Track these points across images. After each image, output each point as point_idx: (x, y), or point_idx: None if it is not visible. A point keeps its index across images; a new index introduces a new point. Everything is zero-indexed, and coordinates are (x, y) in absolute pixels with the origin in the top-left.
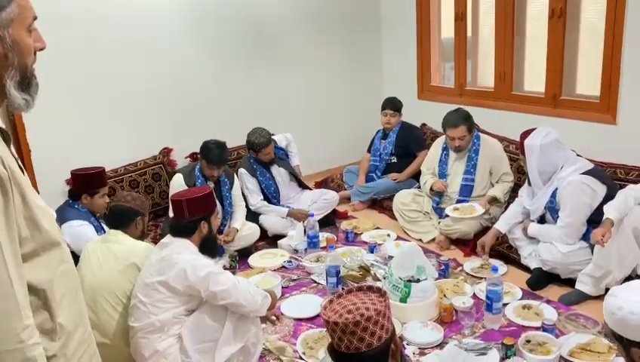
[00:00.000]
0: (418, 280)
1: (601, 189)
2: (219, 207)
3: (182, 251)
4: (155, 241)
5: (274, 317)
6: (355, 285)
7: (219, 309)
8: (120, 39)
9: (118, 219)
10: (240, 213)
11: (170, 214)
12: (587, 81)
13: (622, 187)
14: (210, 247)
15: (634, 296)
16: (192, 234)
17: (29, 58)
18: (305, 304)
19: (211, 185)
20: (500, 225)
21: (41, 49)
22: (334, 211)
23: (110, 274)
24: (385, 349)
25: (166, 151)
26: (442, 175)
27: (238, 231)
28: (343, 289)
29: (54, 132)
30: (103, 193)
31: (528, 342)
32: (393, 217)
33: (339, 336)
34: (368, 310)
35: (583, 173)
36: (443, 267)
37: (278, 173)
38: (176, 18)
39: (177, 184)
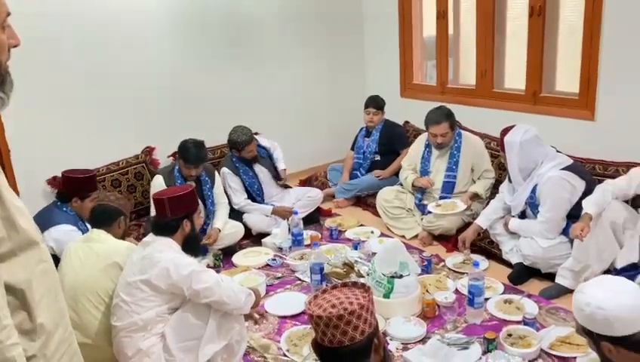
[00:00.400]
0: (401, 276)
1: (581, 184)
2: (201, 205)
3: (164, 250)
4: (139, 241)
5: (257, 315)
6: (339, 282)
7: (202, 307)
8: (102, 38)
9: (100, 218)
10: (222, 211)
11: (152, 213)
12: (566, 78)
13: (600, 182)
14: (193, 246)
15: (601, 292)
16: (174, 232)
17: (2, 55)
18: (289, 301)
19: (192, 184)
20: (481, 221)
21: (15, 46)
22: (318, 209)
23: (92, 273)
24: (368, 344)
25: (148, 150)
26: (424, 172)
27: (220, 231)
28: (327, 286)
29: (35, 132)
30: (93, 197)
31: (509, 335)
32: (377, 214)
33: (322, 330)
34: (352, 304)
35: (563, 169)
36: (425, 263)
37: (261, 171)
38: (159, 17)
39: (158, 185)
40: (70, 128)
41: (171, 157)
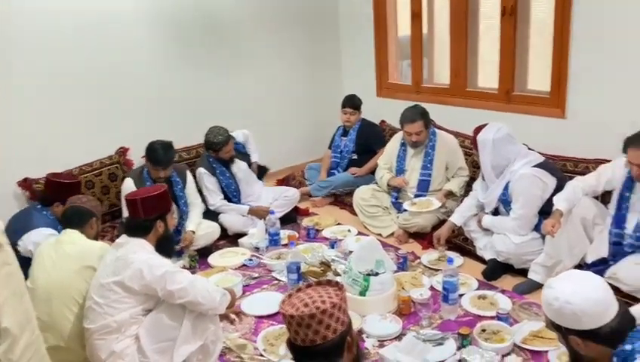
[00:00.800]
0: (377, 274)
1: (552, 181)
2: (174, 206)
3: (138, 251)
4: (113, 242)
5: (233, 316)
6: (315, 281)
7: (176, 308)
8: (75, 38)
9: (73, 219)
10: (195, 212)
11: (125, 214)
12: (538, 77)
13: (571, 179)
14: (166, 247)
15: (569, 286)
16: (147, 233)
17: None
18: (266, 301)
19: (163, 185)
20: (455, 218)
21: None
22: (296, 208)
23: (65, 274)
24: (340, 342)
25: (122, 151)
26: (400, 170)
27: (194, 233)
28: (303, 285)
29: (5, 132)
30: None
31: (483, 331)
32: (354, 213)
33: (295, 329)
34: (324, 303)
35: (534, 166)
36: (401, 260)
37: (239, 170)
38: (136, 18)
39: (127, 188)
40: (42, 129)
41: (145, 158)
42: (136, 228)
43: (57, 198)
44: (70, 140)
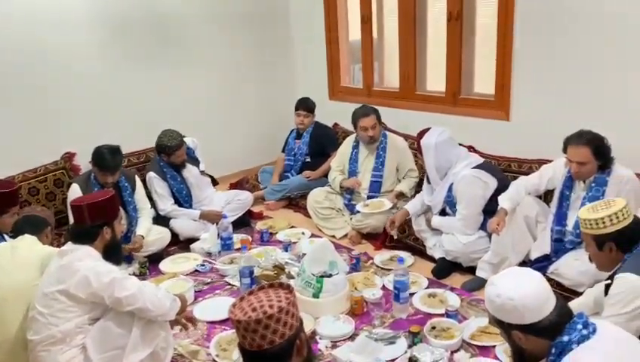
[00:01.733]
0: (330, 275)
1: (492, 181)
2: (122, 212)
3: (83, 258)
4: None
5: (184, 321)
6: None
7: (125, 316)
8: (14, 38)
9: (29, 228)
10: (145, 218)
11: (71, 220)
12: (484, 81)
13: (515, 179)
14: (114, 254)
15: (510, 282)
16: (94, 240)
17: None
18: (218, 307)
19: (111, 190)
20: (408, 206)
21: None
22: (249, 212)
23: (22, 279)
24: (288, 346)
25: (68, 156)
26: (353, 172)
27: (144, 238)
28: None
29: None
30: (13, 212)
31: (434, 328)
32: (308, 215)
33: (242, 334)
34: (272, 308)
35: (474, 168)
36: (354, 261)
37: (190, 174)
38: (79, 16)
39: (74, 194)
40: None
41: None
42: (82, 235)
43: None
44: (11, 144)
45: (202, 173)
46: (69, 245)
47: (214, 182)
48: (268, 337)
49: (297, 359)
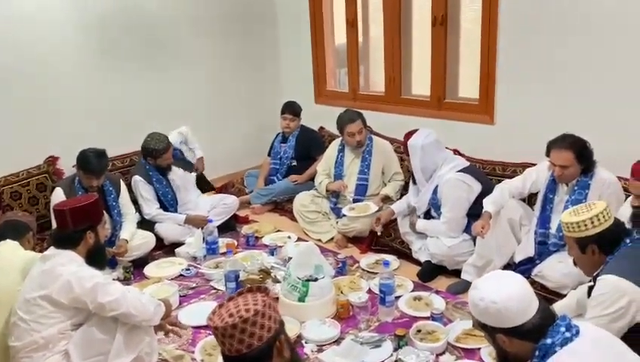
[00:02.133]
0: (316, 279)
1: (476, 185)
2: (106, 216)
3: (66, 263)
4: None
5: (169, 327)
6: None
7: (108, 321)
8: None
9: (10, 232)
10: (129, 222)
11: (54, 225)
12: (468, 85)
13: (499, 182)
14: (98, 259)
15: (493, 286)
16: (77, 245)
17: None
18: (203, 311)
19: (95, 194)
20: (394, 206)
21: None
22: (235, 216)
23: (4, 283)
24: (267, 348)
25: (51, 160)
26: (339, 176)
27: (128, 242)
28: None
29: None
30: None
31: (419, 331)
32: (294, 219)
33: (221, 340)
34: (248, 311)
35: (459, 171)
36: (340, 264)
37: (176, 177)
38: (63, 17)
39: (57, 199)
40: None
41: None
42: (65, 240)
43: None
44: None
45: (201, 175)
46: (52, 250)
47: (211, 188)
48: (246, 341)
49: (278, 360)
